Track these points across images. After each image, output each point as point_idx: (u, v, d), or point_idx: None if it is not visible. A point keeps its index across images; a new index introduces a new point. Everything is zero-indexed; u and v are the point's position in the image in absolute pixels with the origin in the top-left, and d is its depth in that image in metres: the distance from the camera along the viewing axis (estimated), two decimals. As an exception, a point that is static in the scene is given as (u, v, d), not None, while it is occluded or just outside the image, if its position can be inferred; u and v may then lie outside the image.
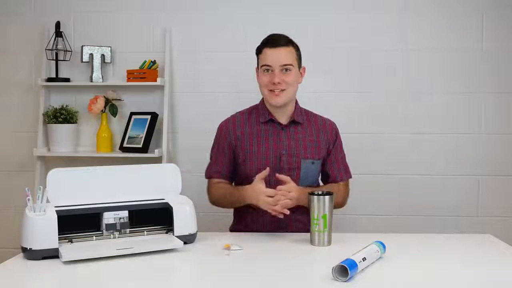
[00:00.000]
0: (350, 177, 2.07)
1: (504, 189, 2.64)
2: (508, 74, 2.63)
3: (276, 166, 1.93)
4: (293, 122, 1.99)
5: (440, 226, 2.63)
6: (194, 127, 2.71)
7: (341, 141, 2.06)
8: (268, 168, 1.83)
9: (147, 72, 2.64)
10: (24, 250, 1.50)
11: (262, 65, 1.93)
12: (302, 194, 1.80)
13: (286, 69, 1.90)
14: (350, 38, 2.66)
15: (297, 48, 1.96)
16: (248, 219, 1.99)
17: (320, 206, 1.64)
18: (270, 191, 1.77)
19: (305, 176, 1.96)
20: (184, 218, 1.66)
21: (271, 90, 1.91)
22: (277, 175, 1.81)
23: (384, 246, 1.52)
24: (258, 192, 1.79)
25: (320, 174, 2.06)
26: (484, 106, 2.64)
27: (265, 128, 1.98)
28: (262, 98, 2.03)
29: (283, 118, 1.99)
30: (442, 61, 2.64)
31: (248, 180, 1.89)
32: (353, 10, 2.66)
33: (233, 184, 2.05)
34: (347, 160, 2.08)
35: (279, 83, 1.89)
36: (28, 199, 1.52)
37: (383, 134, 2.67)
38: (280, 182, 1.80)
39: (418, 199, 2.66)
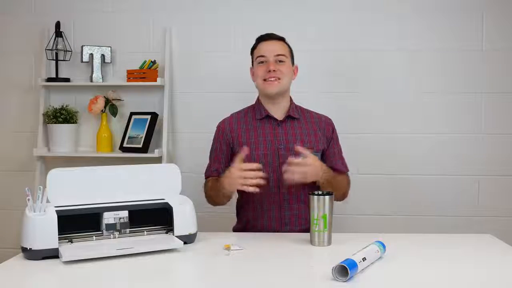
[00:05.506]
0: (348, 170, 2.08)
1: (504, 189, 2.64)
2: (508, 74, 2.63)
3: (274, 160, 1.95)
4: (289, 117, 2.02)
5: (440, 226, 2.63)
6: (194, 127, 2.71)
7: (337, 136, 2.09)
8: (245, 147, 1.84)
9: (147, 72, 2.64)
10: (24, 250, 1.49)
11: (258, 57, 2.00)
12: (320, 169, 1.82)
13: (280, 61, 1.97)
14: (350, 38, 2.66)
15: (289, 46, 2.05)
16: (250, 217, 1.99)
17: (320, 206, 1.64)
18: (243, 165, 1.75)
19: None
20: (184, 218, 1.66)
21: (265, 80, 1.97)
22: (296, 147, 1.79)
23: (384, 246, 1.52)
24: (231, 174, 1.77)
25: None
26: (484, 106, 2.64)
27: (262, 124, 2.02)
28: (258, 98, 2.07)
29: (278, 113, 2.02)
30: (442, 61, 2.64)
31: None
32: (353, 10, 2.66)
33: None
34: (345, 157, 2.09)
35: (274, 70, 1.95)
36: (28, 199, 1.52)
37: (383, 134, 2.66)
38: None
39: (418, 199, 2.66)
